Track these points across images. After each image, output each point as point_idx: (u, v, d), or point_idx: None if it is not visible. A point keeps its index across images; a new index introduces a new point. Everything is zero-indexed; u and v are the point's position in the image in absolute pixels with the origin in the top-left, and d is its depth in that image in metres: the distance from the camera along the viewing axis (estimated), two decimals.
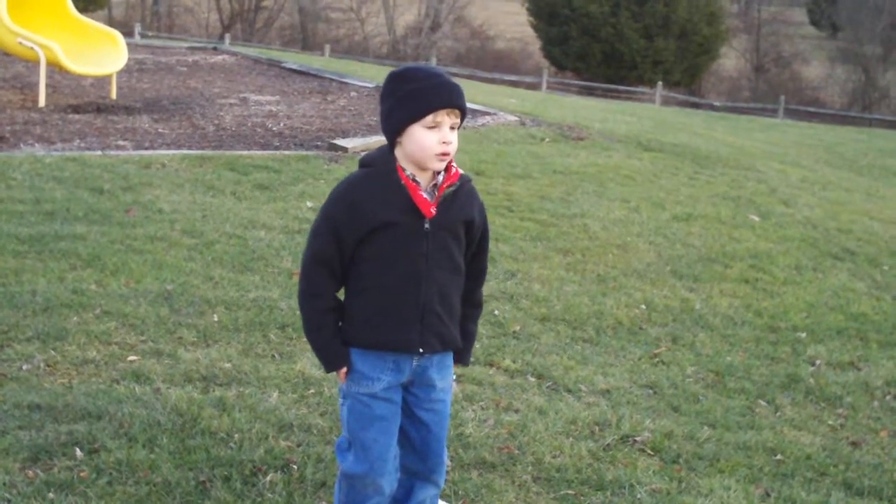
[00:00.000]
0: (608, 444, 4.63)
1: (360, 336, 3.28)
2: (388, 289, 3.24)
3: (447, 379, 3.42)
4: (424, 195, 3.21)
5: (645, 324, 6.52)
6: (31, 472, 3.81)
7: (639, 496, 4.18)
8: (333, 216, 3.24)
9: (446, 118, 3.16)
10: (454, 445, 4.39)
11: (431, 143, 3.16)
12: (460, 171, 3.29)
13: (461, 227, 3.30)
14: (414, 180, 3.21)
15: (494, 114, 13.78)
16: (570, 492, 4.15)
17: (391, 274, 3.23)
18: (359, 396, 3.30)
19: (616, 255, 7.92)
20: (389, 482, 3.38)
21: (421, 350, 3.28)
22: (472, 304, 3.46)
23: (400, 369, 3.30)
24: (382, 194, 3.20)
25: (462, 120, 3.23)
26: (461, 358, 3.48)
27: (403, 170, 3.21)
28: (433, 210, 3.20)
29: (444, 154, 3.17)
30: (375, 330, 3.26)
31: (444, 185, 3.23)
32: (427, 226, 3.21)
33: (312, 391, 4.80)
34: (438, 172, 3.25)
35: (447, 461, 3.57)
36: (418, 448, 3.44)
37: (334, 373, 3.34)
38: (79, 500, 3.66)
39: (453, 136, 3.19)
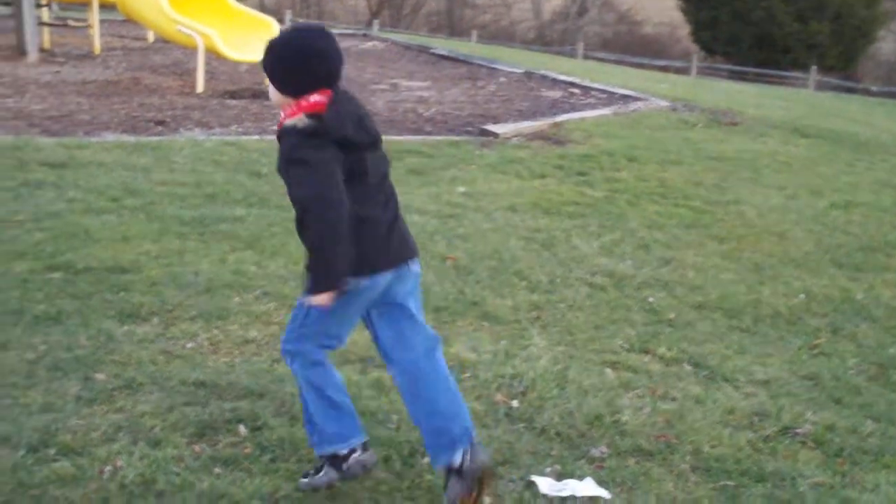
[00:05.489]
0: (768, 436, 4.53)
1: None
2: None
3: None
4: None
5: (804, 314, 6.35)
6: (197, 447, 3.92)
7: (801, 489, 4.08)
8: None
9: None
10: (611, 433, 4.36)
11: None
12: (286, 120, 3.50)
13: None
14: None
15: (646, 99, 13.61)
16: (729, 482, 4.08)
17: None
18: None
19: (773, 242, 7.74)
20: None
21: None
22: None
23: None
24: None
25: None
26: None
27: None
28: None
29: None
30: None
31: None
32: None
33: (468, 374, 4.82)
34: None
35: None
36: None
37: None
38: (243, 475, 3.75)
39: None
